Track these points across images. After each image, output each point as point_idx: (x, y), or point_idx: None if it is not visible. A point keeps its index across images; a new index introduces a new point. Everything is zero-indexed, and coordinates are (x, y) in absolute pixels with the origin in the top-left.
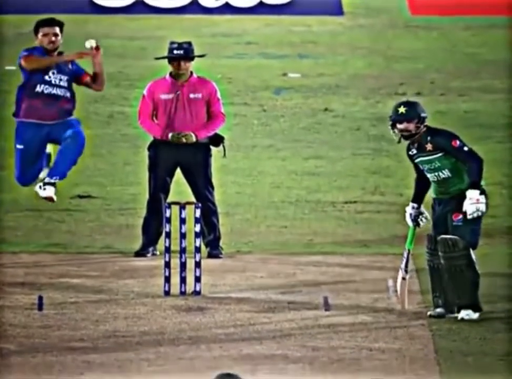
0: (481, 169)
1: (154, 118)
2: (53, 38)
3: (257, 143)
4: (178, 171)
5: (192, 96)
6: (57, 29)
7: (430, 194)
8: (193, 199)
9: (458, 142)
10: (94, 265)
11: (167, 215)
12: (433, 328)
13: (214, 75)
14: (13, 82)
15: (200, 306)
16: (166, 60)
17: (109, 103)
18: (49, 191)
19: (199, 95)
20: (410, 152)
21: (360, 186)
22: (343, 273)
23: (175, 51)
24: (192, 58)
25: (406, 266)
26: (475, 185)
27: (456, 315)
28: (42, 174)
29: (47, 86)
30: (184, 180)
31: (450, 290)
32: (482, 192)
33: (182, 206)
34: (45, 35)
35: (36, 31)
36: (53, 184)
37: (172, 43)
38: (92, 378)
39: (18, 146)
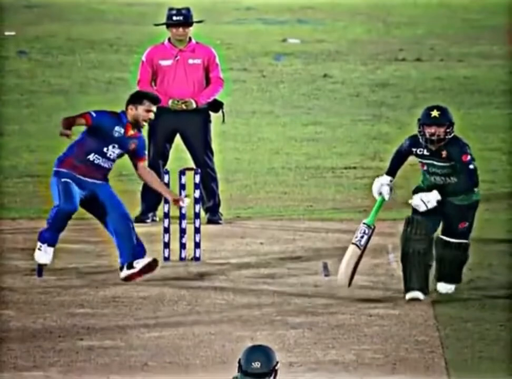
0: (467, 191)
1: (153, 84)
2: (152, 117)
3: (256, 109)
4: (177, 138)
5: (190, 61)
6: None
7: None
8: (193, 165)
9: (468, 157)
10: (93, 230)
11: (166, 180)
12: (433, 294)
13: (213, 40)
14: (12, 49)
15: (199, 272)
16: (164, 26)
17: (108, 70)
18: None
19: (198, 61)
20: (417, 151)
21: (359, 152)
22: (342, 239)
23: (174, 18)
24: (190, 24)
25: (367, 242)
26: (443, 192)
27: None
28: None
29: (99, 157)
30: (183, 146)
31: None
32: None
33: (182, 172)
34: (148, 111)
35: (137, 101)
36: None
37: (171, 9)
38: (91, 343)
39: (63, 180)
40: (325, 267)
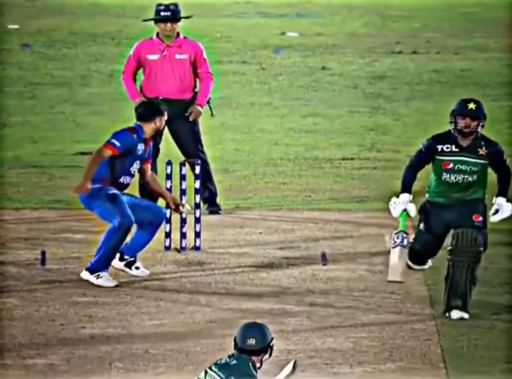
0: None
1: (142, 77)
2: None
3: (255, 101)
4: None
5: (177, 56)
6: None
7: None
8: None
9: (505, 157)
10: (95, 220)
11: (168, 171)
12: (429, 283)
13: (214, 33)
14: (15, 42)
15: (200, 261)
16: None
17: (110, 62)
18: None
19: (185, 56)
20: (444, 148)
21: (357, 143)
22: (340, 228)
23: (162, 13)
24: (178, 20)
25: (405, 240)
26: (505, 194)
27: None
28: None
29: (127, 177)
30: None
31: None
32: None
33: (183, 163)
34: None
35: (162, 113)
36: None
37: (159, 5)
38: (94, 331)
39: (111, 192)
40: (324, 256)
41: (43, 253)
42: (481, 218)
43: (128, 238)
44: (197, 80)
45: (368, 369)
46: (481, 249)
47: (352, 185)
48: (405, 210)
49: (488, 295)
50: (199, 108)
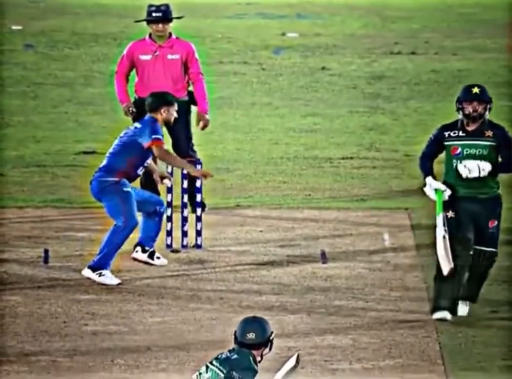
0: (507, 173)
1: (136, 77)
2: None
3: (256, 101)
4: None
5: (169, 57)
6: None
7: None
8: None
9: None
10: (98, 219)
11: (169, 170)
12: (428, 280)
13: (215, 34)
14: (19, 42)
15: (201, 259)
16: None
17: (112, 62)
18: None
19: (177, 56)
20: (451, 133)
21: (356, 143)
22: (339, 227)
23: (153, 14)
24: (170, 20)
25: (444, 226)
26: (494, 171)
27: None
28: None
29: (142, 169)
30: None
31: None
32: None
33: None
34: (174, 110)
35: (170, 103)
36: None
37: (150, 6)
38: (96, 328)
39: (126, 189)
40: (323, 254)
41: (46, 251)
42: (496, 223)
43: (135, 233)
44: (190, 82)
45: (367, 365)
46: (494, 260)
47: (351, 184)
48: (436, 190)
49: (485, 292)
50: (205, 116)
